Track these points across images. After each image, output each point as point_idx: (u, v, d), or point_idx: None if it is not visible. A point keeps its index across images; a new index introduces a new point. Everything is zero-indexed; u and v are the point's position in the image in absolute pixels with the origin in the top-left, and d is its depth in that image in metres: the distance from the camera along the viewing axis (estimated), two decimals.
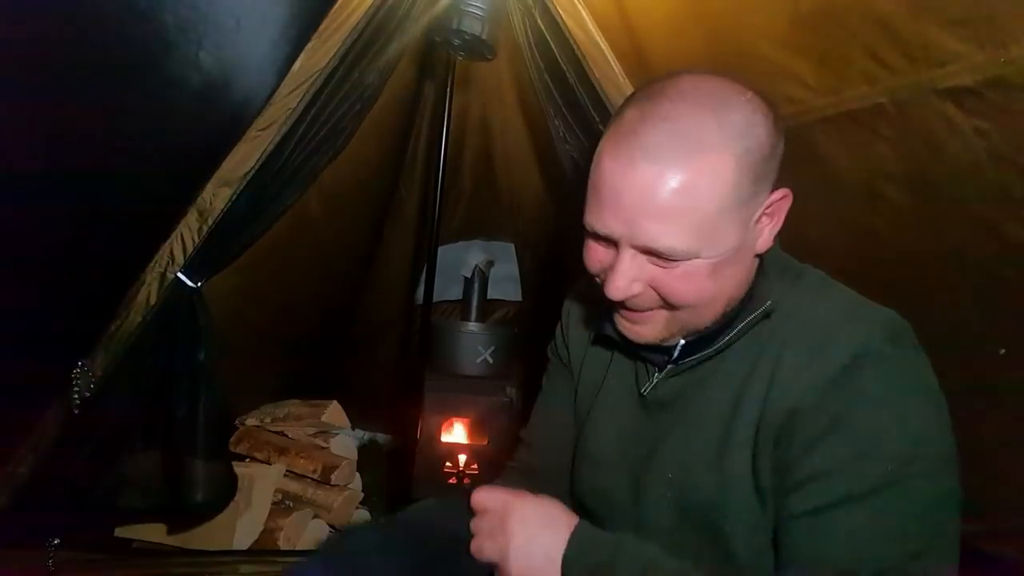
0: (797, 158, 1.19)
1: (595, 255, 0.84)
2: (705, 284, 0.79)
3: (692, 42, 1.39)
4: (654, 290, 0.82)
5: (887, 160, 1.13)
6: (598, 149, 0.82)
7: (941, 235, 1.11)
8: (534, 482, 1.02)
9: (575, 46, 1.56)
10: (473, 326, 2.49)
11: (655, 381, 0.92)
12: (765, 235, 0.83)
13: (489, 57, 1.75)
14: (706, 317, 0.84)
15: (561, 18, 1.56)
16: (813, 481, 0.75)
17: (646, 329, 0.86)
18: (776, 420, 0.78)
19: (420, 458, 2.27)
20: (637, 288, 0.81)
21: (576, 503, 1.03)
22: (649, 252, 0.79)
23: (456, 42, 1.68)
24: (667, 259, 0.78)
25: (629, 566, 0.77)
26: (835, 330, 0.78)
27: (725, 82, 0.80)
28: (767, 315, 0.84)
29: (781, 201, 0.83)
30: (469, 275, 2.61)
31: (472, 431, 2.34)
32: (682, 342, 0.87)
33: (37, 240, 1.14)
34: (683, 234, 0.76)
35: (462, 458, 2.30)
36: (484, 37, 1.63)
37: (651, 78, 0.84)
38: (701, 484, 0.85)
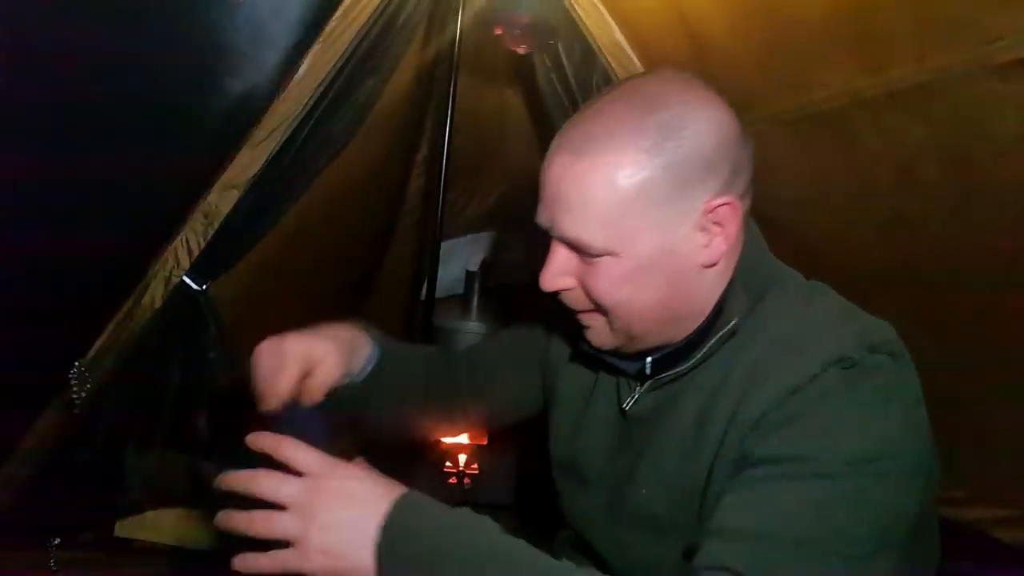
0: (829, 144, 1.14)
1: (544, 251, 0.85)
2: (621, 286, 0.79)
3: (716, 39, 1.34)
4: (582, 288, 0.83)
5: (927, 141, 1.06)
6: None
7: (979, 223, 1.06)
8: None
9: (592, 43, 1.55)
10: (473, 325, 2.48)
11: (636, 396, 0.91)
12: (713, 247, 0.79)
13: (551, 42, 1.64)
14: (641, 327, 0.83)
15: (579, 15, 1.54)
16: (761, 464, 0.72)
17: (592, 334, 0.87)
18: (740, 431, 0.76)
19: (420, 457, 2.28)
20: (567, 282, 0.83)
21: (563, 519, 1.04)
22: (569, 245, 0.80)
23: (516, 31, 1.58)
24: (585, 253, 0.79)
25: (465, 552, 0.66)
26: (806, 342, 0.76)
27: (675, 82, 0.80)
28: (733, 333, 0.82)
29: (723, 210, 0.77)
30: (475, 269, 2.59)
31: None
32: (649, 360, 0.86)
33: (39, 240, 1.13)
34: (590, 226, 0.76)
35: (462, 458, 2.30)
36: (543, 18, 1.53)
37: None
38: (664, 498, 0.84)
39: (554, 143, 0.81)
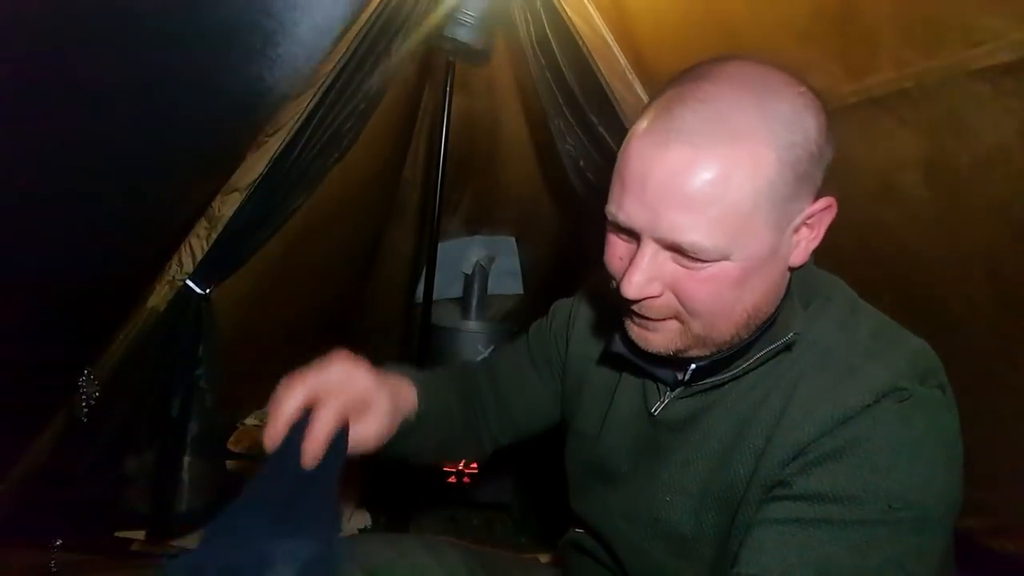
0: None
1: (615, 250, 0.78)
2: (729, 292, 0.72)
3: (705, 40, 1.35)
4: (673, 294, 0.74)
5: (908, 148, 1.05)
6: (629, 132, 0.75)
7: (961, 230, 1.04)
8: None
9: (582, 44, 1.56)
10: (473, 325, 2.49)
11: (666, 401, 0.87)
12: (802, 248, 0.76)
13: (481, 63, 1.84)
14: (722, 331, 0.76)
15: (568, 16, 1.55)
16: (802, 499, 0.70)
17: (656, 337, 0.79)
18: (781, 455, 0.73)
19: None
20: (655, 288, 0.74)
21: (577, 518, 1.01)
22: (673, 248, 0.71)
23: (449, 47, 1.75)
24: (692, 258, 0.71)
25: None
26: (855, 368, 0.73)
27: (777, 72, 0.73)
28: (788, 347, 0.78)
29: (824, 212, 0.74)
30: (470, 272, 2.60)
31: None
32: (693, 366, 0.81)
33: (43, 246, 1.14)
34: (711, 229, 0.68)
35: None
36: (476, 47, 1.73)
37: (699, 62, 0.76)
38: (689, 507, 0.82)
39: (655, 131, 0.70)
